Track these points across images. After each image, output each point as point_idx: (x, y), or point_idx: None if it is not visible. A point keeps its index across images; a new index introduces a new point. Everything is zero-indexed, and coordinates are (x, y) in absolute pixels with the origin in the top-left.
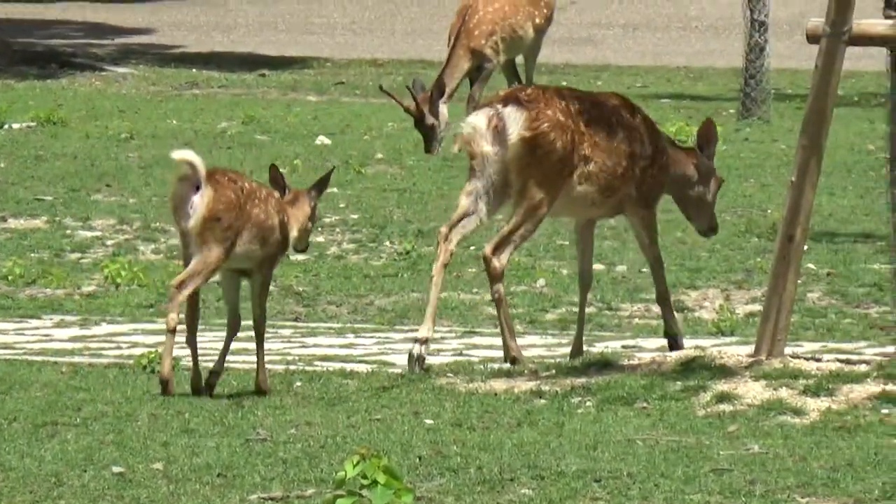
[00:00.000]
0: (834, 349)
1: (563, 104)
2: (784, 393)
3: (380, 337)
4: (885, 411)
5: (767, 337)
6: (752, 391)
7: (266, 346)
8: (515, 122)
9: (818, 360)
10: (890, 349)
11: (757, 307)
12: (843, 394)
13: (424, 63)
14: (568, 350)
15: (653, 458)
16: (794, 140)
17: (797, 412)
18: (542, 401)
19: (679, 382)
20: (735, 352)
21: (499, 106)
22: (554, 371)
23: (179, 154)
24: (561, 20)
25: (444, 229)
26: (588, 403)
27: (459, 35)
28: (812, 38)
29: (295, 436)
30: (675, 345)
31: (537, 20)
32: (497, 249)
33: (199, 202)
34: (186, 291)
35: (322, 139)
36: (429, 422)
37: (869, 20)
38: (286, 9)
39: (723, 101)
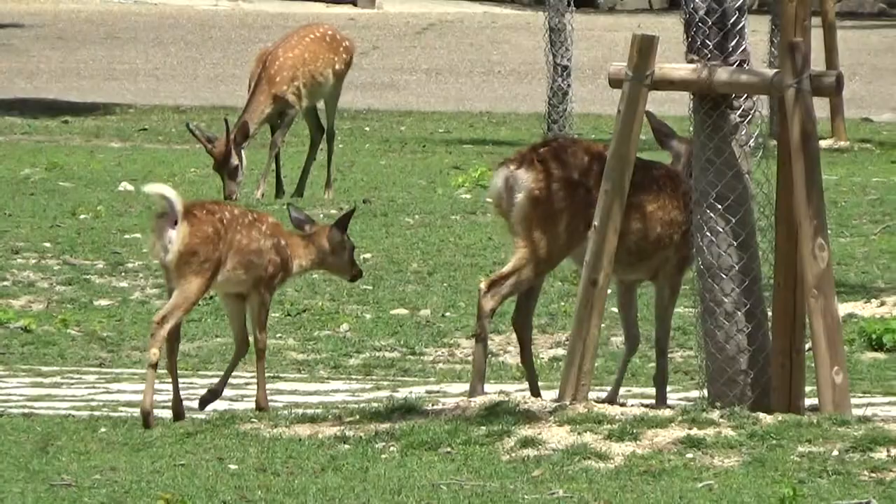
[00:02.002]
0: (638, 394)
1: (581, 159)
2: (588, 437)
3: (183, 383)
4: (689, 455)
5: (571, 381)
6: (557, 436)
7: (70, 391)
8: (523, 182)
9: (622, 405)
10: (694, 394)
11: (561, 351)
12: (648, 438)
13: (227, 109)
14: (373, 395)
15: (457, 502)
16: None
17: (602, 457)
18: (347, 446)
19: (483, 427)
20: (537, 398)
21: (512, 166)
22: (358, 416)
23: (153, 188)
24: (364, 65)
25: (483, 285)
26: (392, 448)
27: (260, 81)
28: (614, 83)
29: (99, 481)
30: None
31: (337, 66)
32: (491, 287)
33: (176, 237)
34: (168, 326)
35: (125, 185)
36: (233, 467)
37: (671, 64)
38: (88, 55)
39: (526, 146)
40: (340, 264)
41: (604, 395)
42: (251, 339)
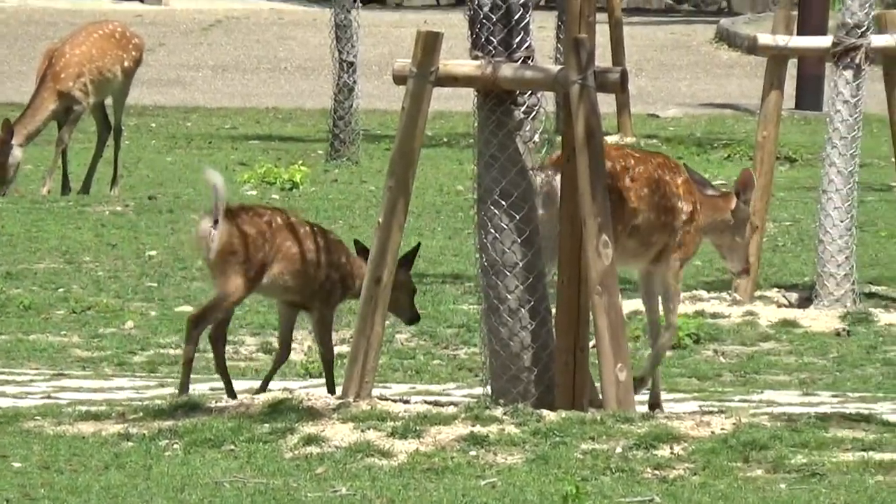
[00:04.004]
0: (422, 391)
1: (608, 164)
2: (372, 435)
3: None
4: (472, 453)
5: (355, 379)
6: (340, 433)
7: None
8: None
9: (406, 402)
10: (478, 391)
11: (345, 349)
12: (432, 436)
13: (14, 106)
14: (157, 392)
15: (240, 500)
16: (382, 181)
17: (385, 454)
18: (130, 443)
19: (267, 425)
20: (323, 394)
21: (550, 172)
22: (142, 414)
23: (209, 174)
24: (150, 61)
25: None
26: (176, 446)
27: (46, 77)
28: (399, 79)
29: None
30: (655, 405)
31: (126, 63)
32: None
33: (216, 236)
34: (203, 326)
35: None
36: (17, 465)
37: (456, 61)
38: None
39: (312, 142)
40: (400, 303)
41: (387, 391)
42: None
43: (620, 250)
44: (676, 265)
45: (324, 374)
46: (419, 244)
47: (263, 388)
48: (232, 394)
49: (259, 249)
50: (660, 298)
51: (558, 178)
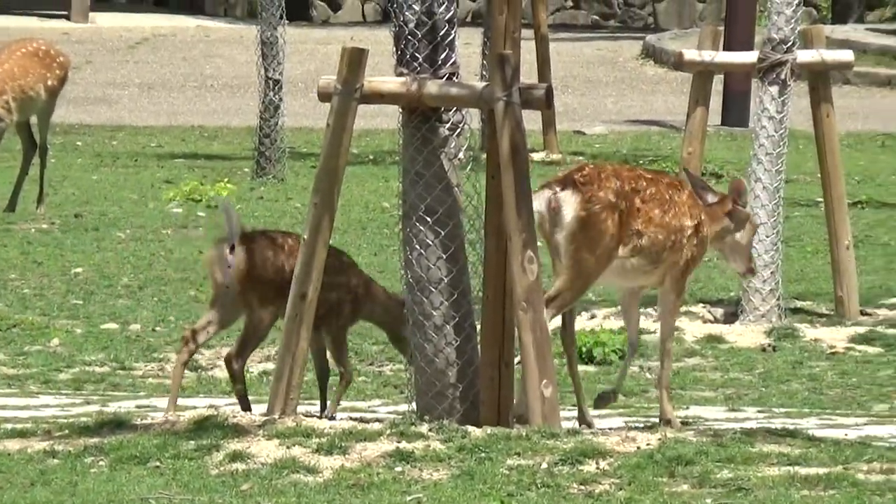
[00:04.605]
0: (348, 407)
1: (618, 184)
2: (297, 451)
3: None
4: (398, 469)
5: (280, 395)
6: (266, 450)
7: None
8: (570, 204)
9: (332, 419)
10: (403, 407)
11: (271, 365)
12: (357, 452)
13: None
14: (82, 410)
15: None
16: (308, 198)
17: (311, 470)
18: (56, 460)
19: (192, 441)
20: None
21: (557, 188)
22: (68, 431)
23: (222, 203)
24: (76, 80)
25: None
26: (101, 463)
27: None
28: (324, 96)
29: None
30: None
31: (50, 81)
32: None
33: (233, 262)
34: (243, 361)
35: None
36: None
37: (381, 77)
38: None
39: (238, 159)
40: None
41: (313, 409)
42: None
43: (630, 269)
44: (680, 280)
45: (335, 394)
46: None
47: (326, 408)
48: (247, 407)
49: (279, 273)
50: (659, 310)
51: (564, 194)
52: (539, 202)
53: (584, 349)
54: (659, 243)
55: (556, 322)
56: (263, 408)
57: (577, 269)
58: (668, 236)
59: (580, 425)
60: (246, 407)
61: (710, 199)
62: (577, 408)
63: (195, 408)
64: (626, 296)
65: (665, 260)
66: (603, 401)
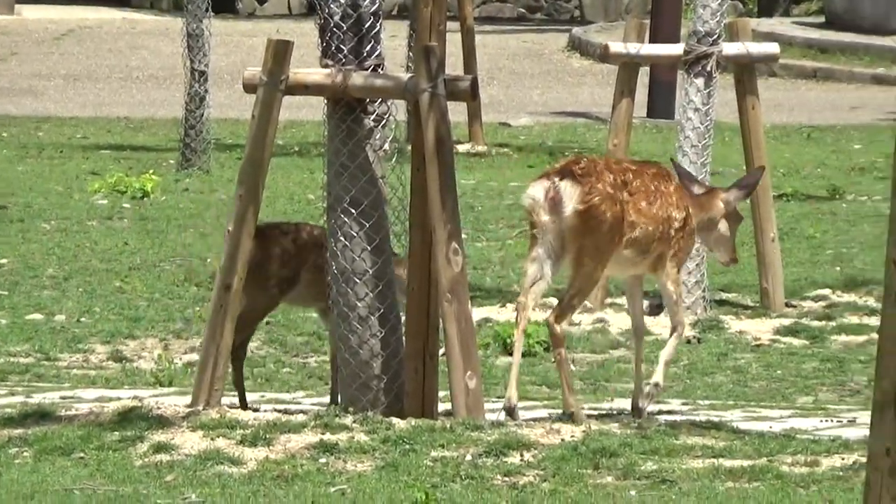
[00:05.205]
0: (272, 399)
1: (612, 177)
2: (222, 443)
3: None
4: (322, 461)
5: (205, 387)
6: (190, 441)
7: None
8: (570, 195)
9: (256, 410)
10: (328, 399)
11: (195, 357)
12: (281, 443)
13: None
14: (6, 401)
15: None
16: (233, 190)
17: (235, 462)
18: None
19: (117, 433)
20: (173, 402)
21: (556, 178)
22: None
23: None
24: (2, 71)
25: (521, 299)
26: (26, 454)
27: None
28: (249, 88)
29: None
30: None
31: None
32: (559, 318)
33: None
34: (243, 351)
35: None
36: None
37: (306, 69)
38: None
39: (163, 151)
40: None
41: (237, 400)
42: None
43: (620, 261)
44: (674, 271)
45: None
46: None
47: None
48: (244, 404)
49: (285, 266)
50: (664, 303)
51: (563, 184)
52: (537, 190)
53: (508, 341)
54: (649, 235)
55: (484, 315)
56: (187, 399)
57: (582, 262)
58: (656, 227)
59: (563, 412)
60: (242, 398)
61: (697, 190)
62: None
63: (119, 399)
64: (630, 282)
65: (653, 251)
66: (648, 398)
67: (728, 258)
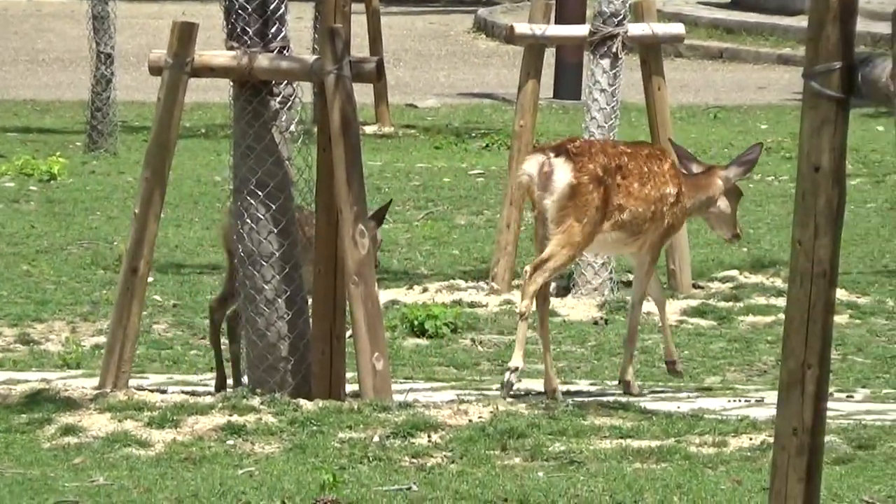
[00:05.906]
0: (180, 381)
1: (605, 160)
2: (129, 425)
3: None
4: (230, 443)
5: (112, 369)
6: (98, 423)
7: None
8: (562, 170)
9: (163, 392)
10: (230, 382)
11: (103, 339)
12: (189, 425)
13: None
14: None
15: None
16: (140, 172)
17: (142, 444)
18: None
19: (24, 415)
20: (81, 384)
21: (551, 154)
22: None
23: None
24: None
25: (528, 268)
26: None
27: None
28: (154, 70)
29: None
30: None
31: None
32: (532, 276)
33: None
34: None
35: None
36: None
37: (212, 51)
38: None
39: (70, 133)
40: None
41: (145, 382)
42: None
43: (611, 242)
44: (659, 245)
45: None
46: (391, 200)
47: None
48: (223, 382)
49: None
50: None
51: (557, 160)
52: (531, 165)
53: (415, 322)
54: (640, 216)
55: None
56: (95, 381)
57: (566, 236)
58: (647, 208)
59: (545, 391)
60: (235, 372)
61: (696, 168)
62: (544, 371)
63: (27, 381)
64: (635, 262)
65: (646, 231)
66: (675, 373)
67: (730, 234)
